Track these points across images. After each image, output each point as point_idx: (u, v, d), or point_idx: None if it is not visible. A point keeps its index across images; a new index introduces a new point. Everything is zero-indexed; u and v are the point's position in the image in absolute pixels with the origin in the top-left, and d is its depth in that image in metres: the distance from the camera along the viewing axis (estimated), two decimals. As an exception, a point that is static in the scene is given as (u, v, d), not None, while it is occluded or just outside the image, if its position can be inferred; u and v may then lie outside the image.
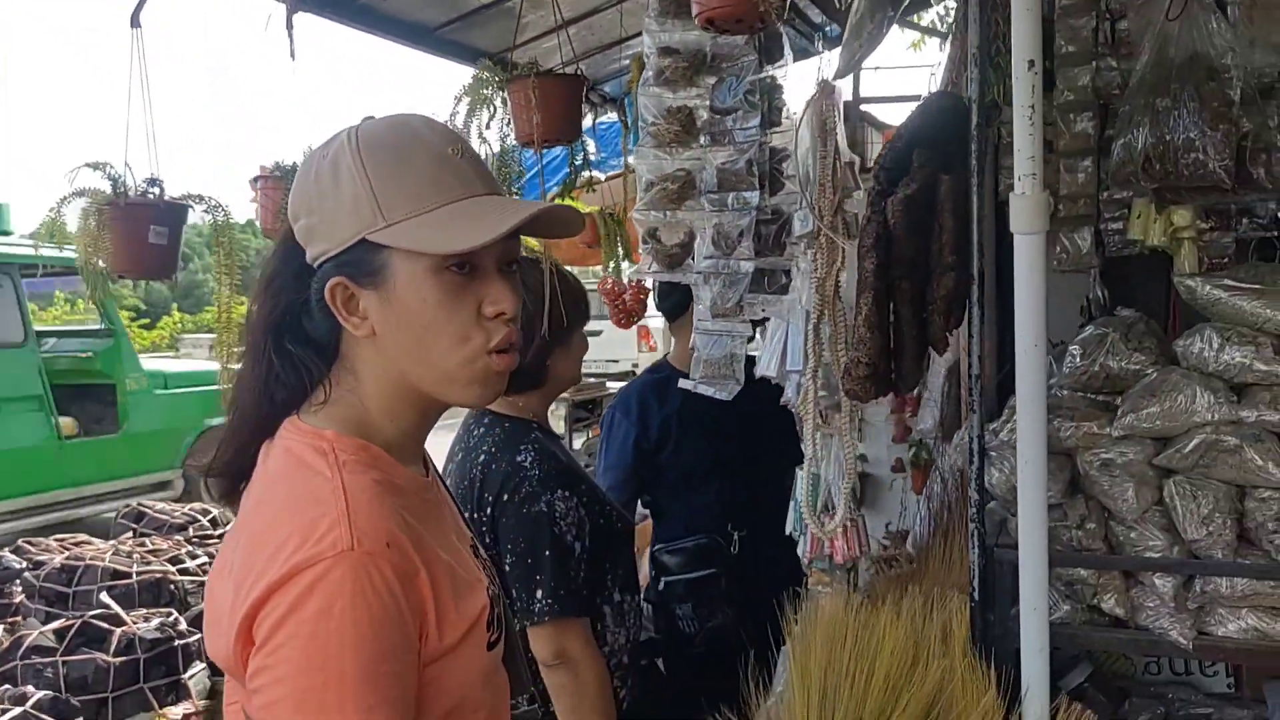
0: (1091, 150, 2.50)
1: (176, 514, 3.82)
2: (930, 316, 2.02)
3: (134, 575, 2.95)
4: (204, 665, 2.70)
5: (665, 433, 2.74)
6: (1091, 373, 2.20)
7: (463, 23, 3.60)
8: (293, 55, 2.66)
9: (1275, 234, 2.41)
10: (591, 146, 3.09)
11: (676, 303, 2.74)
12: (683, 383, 2.32)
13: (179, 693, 2.60)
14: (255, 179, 2.82)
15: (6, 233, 8.01)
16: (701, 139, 2.22)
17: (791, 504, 2.91)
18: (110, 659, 2.51)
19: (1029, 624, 1.93)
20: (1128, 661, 2.64)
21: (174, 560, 3.12)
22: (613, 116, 4.16)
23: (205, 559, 3.23)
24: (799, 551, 2.82)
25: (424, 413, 1.18)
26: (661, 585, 2.71)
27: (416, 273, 1.08)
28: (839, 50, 2.29)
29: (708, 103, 2.26)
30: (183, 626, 2.69)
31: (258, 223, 2.77)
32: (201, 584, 3.14)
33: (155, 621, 2.66)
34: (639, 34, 2.97)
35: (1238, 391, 2.03)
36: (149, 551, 3.16)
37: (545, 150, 2.99)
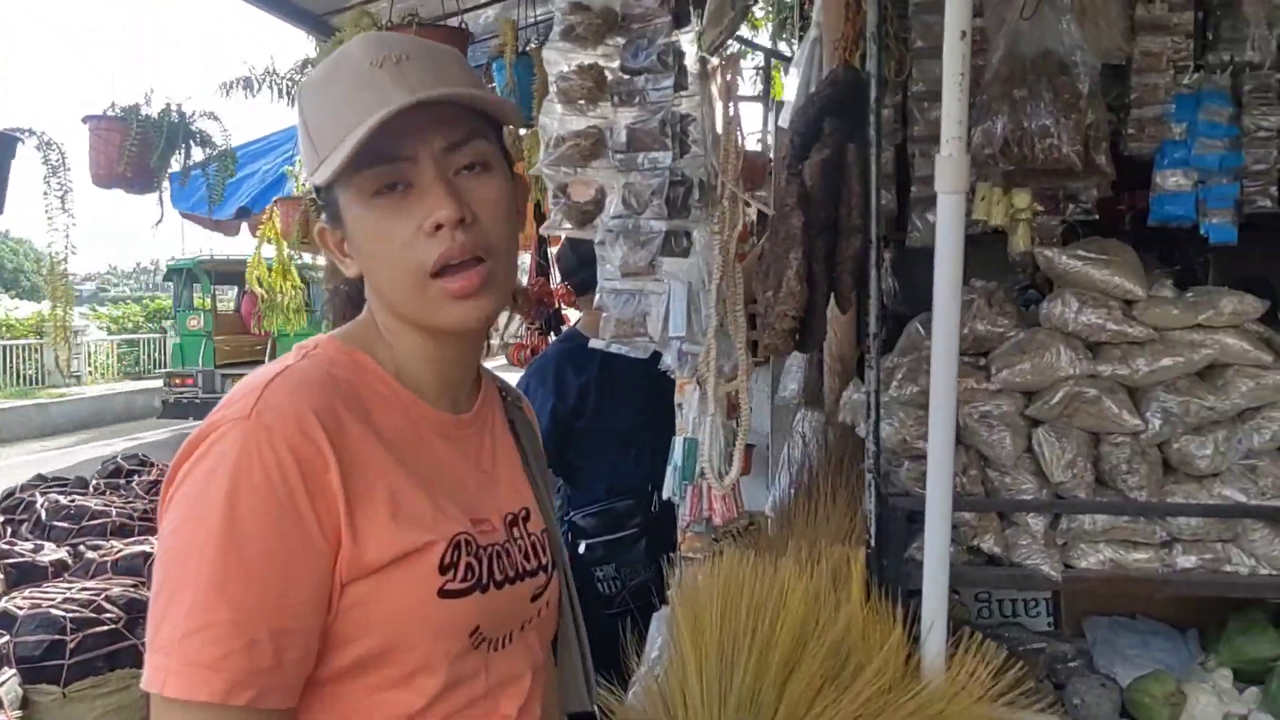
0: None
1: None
2: (839, 275, 2.13)
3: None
4: (14, 671, 2.39)
5: (583, 399, 2.73)
6: (960, 335, 2.39)
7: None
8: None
9: (1097, 216, 2.72)
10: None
11: (588, 276, 2.71)
12: (594, 342, 2.31)
13: (-11, 705, 2.30)
14: (88, 118, 2.51)
15: None
16: (613, 98, 2.23)
17: (670, 469, 2.95)
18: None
19: (932, 563, 2.07)
20: (963, 607, 2.88)
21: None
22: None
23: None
24: (678, 515, 2.88)
25: (434, 341, 1.12)
26: (582, 549, 2.69)
27: (352, 204, 1.05)
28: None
29: (616, 62, 2.27)
30: (-13, 627, 2.37)
31: (89, 170, 2.48)
32: (-3, 578, 2.78)
33: (-37, 622, 2.33)
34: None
35: (1092, 349, 2.28)
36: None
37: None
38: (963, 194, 1.90)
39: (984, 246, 2.96)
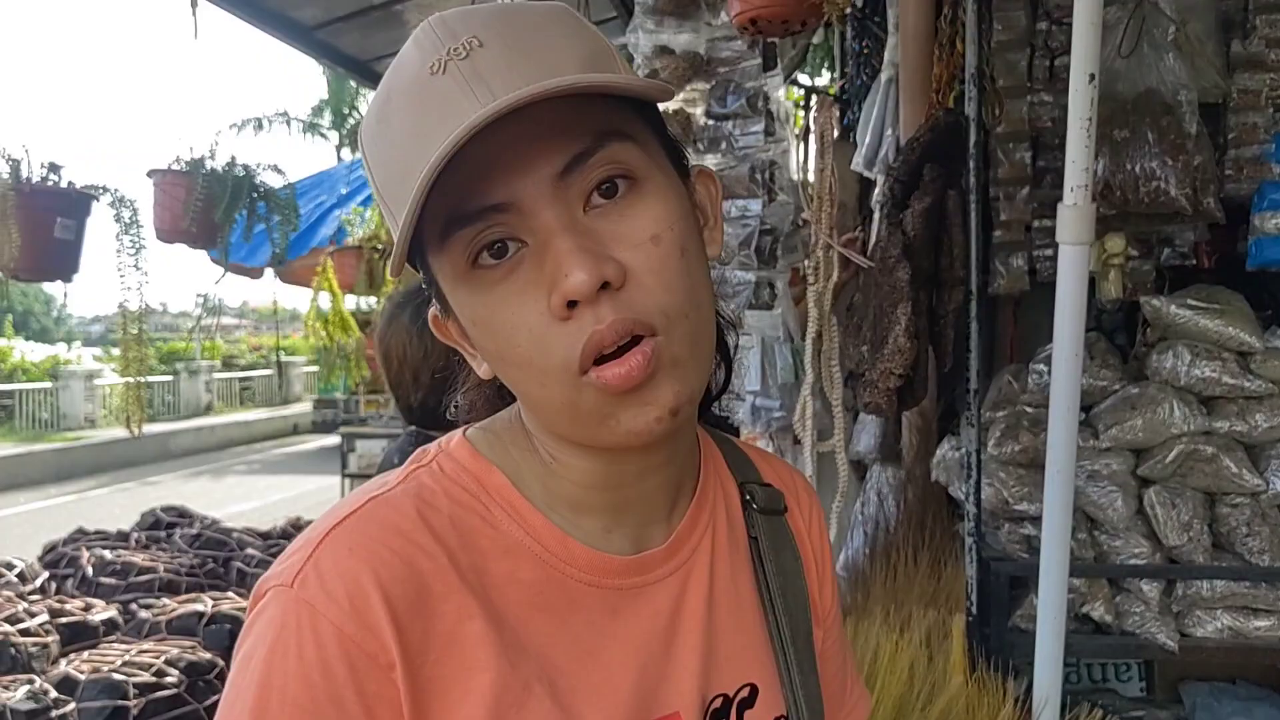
0: (1028, 179, 2.64)
1: (-25, 569, 3.26)
2: (942, 330, 2.02)
3: (-35, 639, 2.47)
4: (77, 740, 2.28)
5: None
6: (1058, 389, 2.27)
7: (342, 24, 3.35)
8: (195, 35, 2.39)
9: (1192, 262, 2.61)
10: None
11: None
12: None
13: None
14: (153, 172, 2.42)
15: None
16: (697, 144, 2.14)
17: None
18: (-26, 738, 2.07)
19: (1046, 633, 1.95)
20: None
21: (11, 619, 2.63)
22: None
23: (45, 616, 2.75)
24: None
25: (611, 464, 0.74)
26: None
27: (451, 284, 0.70)
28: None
29: (701, 108, 2.18)
30: (53, 694, 2.26)
31: (153, 224, 2.38)
32: (45, 645, 2.67)
33: (22, 690, 2.21)
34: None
35: (1206, 404, 2.17)
36: (-25, 611, 2.66)
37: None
38: (1088, 245, 1.79)
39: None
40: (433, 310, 0.77)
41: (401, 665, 0.66)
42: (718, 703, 0.77)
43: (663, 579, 0.76)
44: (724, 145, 2.15)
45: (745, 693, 0.79)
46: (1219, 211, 2.24)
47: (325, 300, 4.19)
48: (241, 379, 22.32)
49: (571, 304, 0.64)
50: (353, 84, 25.01)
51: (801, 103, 4.40)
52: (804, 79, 5.96)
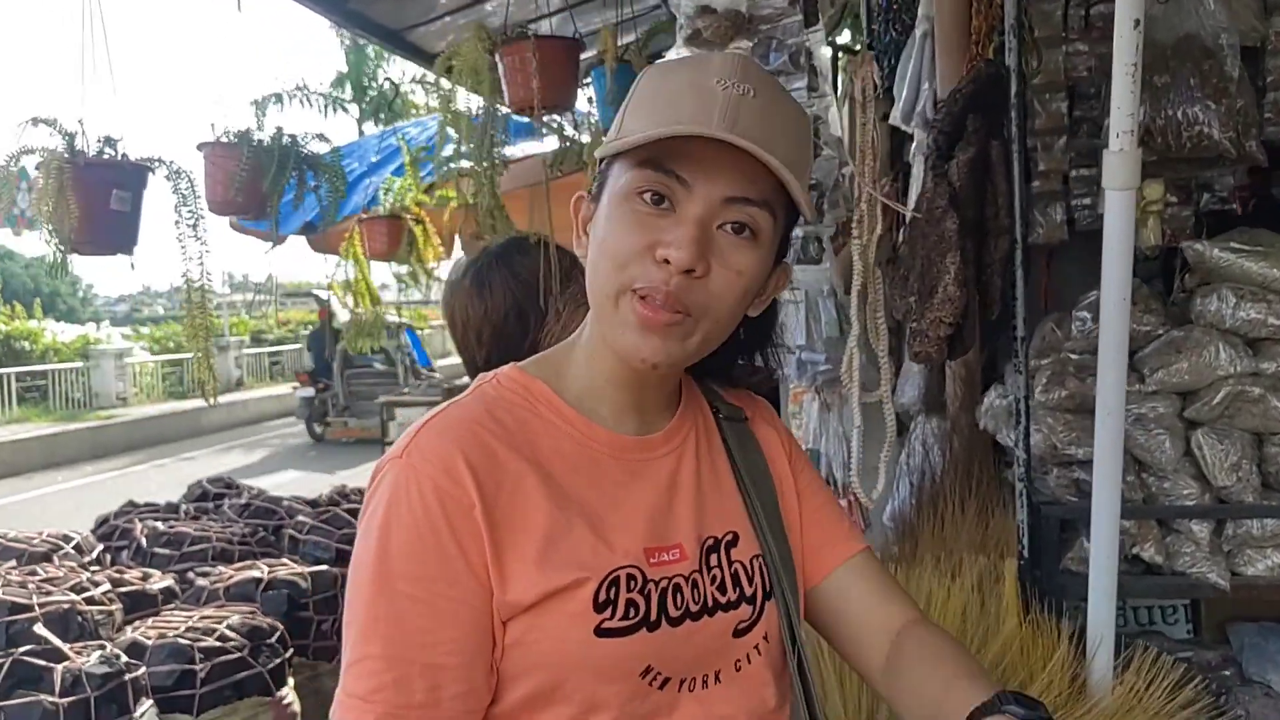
0: (1064, 129, 2.64)
1: (36, 541, 3.34)
2: (989, 278, 2.04)
3: (36, 608, 2.54)
4: (151, 702, 2.36)
5: None
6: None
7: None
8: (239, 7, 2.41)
9: (1233, 206, 2.62)
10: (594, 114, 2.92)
11: None
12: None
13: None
14: (203, 145, 2.47)
15: None
16: (742, 103, 2.15)
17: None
18: (56, 700, 2.14)
19: (1099, 575, 1.97)
20: (1081, 612, 2.78)
21: (76, 588, 2.71)
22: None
23: (108, 585, 2.83)
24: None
25: (625, 366, 1.03)
26: None
27: (616, 189, 1.00)
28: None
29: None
30: (124, 659, 2.33)
31: (203, 196, 2.42)
32: (109, 613, 2.75)
33: (96, 655, 2.29)
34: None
35: (1251, 345, 2.18)
36: (44, 580, 2.73)
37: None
38: (1134, 190, 1.80)
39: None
40: (583, 192, 1.07)
41: (480, 507, 0.94)
42: (709, 541, 1.07)
43: (662, 456, 1.08)
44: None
45: (730, 536, 1.09)
46: (1261, 154, 2.24)
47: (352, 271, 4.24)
48: (271, 354, 22.51)
49: (666, 261, 0.94)
50: (371, 56, 24.99)
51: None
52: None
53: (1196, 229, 2.64)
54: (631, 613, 0.98)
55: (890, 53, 3.35)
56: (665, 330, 0.96)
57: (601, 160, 1.04)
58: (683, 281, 0.95)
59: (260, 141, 2.44)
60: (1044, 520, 2.16)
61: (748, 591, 1.08)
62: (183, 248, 2.19)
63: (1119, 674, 2.04)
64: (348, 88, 23.95)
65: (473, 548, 0.94)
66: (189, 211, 2.20)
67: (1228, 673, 2.48)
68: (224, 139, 2.45)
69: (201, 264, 2.21)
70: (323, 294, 15.15)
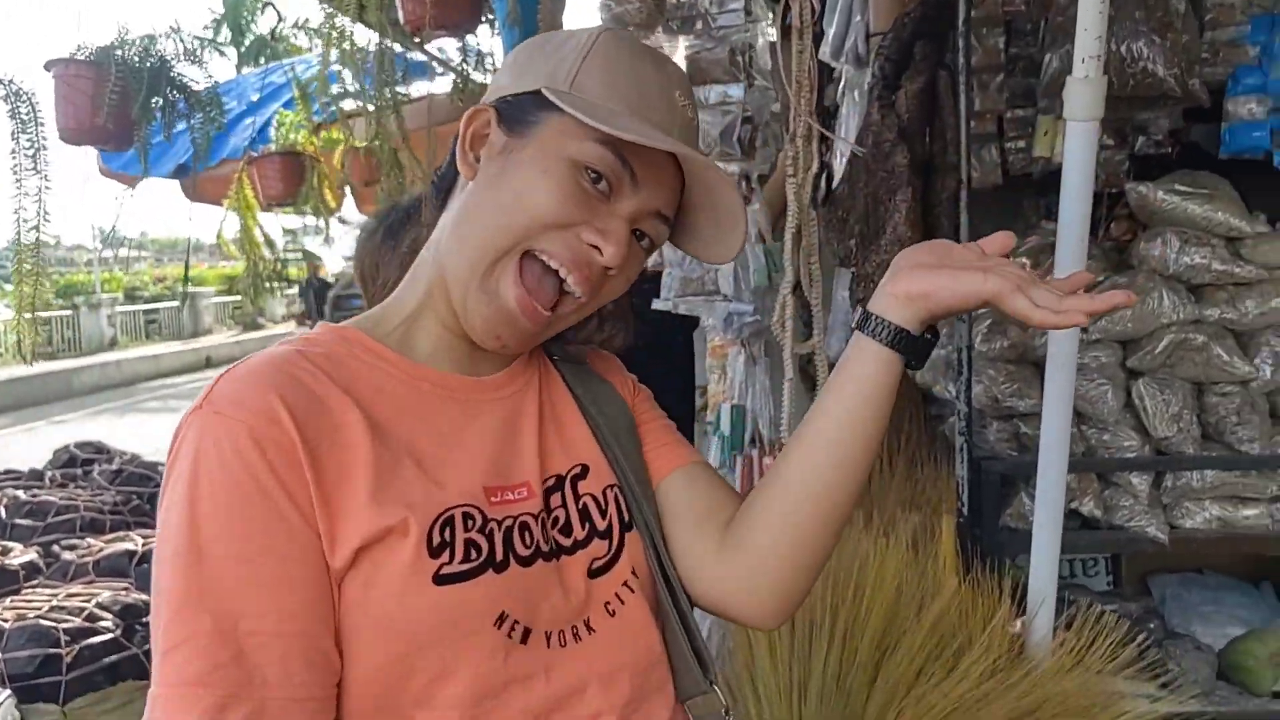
0: (1000, 67, 2.53)
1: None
2: (936, 219, 1.91)
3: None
4: (9, 692, 2.11)
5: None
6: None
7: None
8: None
9: (1169, 149, 2.55)
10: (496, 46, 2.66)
11: None
12: (657, 303, 2.07)
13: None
14: (53, 63, 2.12)
15: None
16: (671, 24, 1.97)
17: (715, 437, 2.73)
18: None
19: (1043, 532, 1.89)
20: (1018, 570, 2.73)
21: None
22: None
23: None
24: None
25: (461, 338, 1.01)
26: None
27: (557, 146, 0.94)
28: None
29: (672, -15, 2.01)
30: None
31: (56, 123, 2.11)
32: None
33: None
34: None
35: (1195, 292, 2.11)
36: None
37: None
38: (1097, 121, 1.69)
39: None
40: (487, 107, 0.98)
41: (303, 447, 0.84)
42: (551, 481, 1.01)
43: (503, 398, 1.02)
44: (699, 25, 1.98)
45: (577, 469, 1.04)
46: (1204, 94, 2.16)
47: (238, 221, 3.87)
48: (146, 312, 21.48)
49: (594, 247, 0.93)
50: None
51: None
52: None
53: (1128, 174, 2.57)
54: (473, 554, 0.89)
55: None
56: (543, 323, 0.96)
57: (532, 92, 0.96)
58: (596, 275, 0.95)
59: (126, 60, 2.13)
60: (985, 476, 2.06)
61: (600, 526, 1.02)
62: (19, 182, 1.90)
63: (1057, 633, 1.97)
64: (225, 31, 22.83)
65: (300, 493, 0.84)
66: (28, 140, 1.91)
67: (1151, 625, 2.45)
68: (80, 56, 2.14)
69: (39, 200, 1.92)
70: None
